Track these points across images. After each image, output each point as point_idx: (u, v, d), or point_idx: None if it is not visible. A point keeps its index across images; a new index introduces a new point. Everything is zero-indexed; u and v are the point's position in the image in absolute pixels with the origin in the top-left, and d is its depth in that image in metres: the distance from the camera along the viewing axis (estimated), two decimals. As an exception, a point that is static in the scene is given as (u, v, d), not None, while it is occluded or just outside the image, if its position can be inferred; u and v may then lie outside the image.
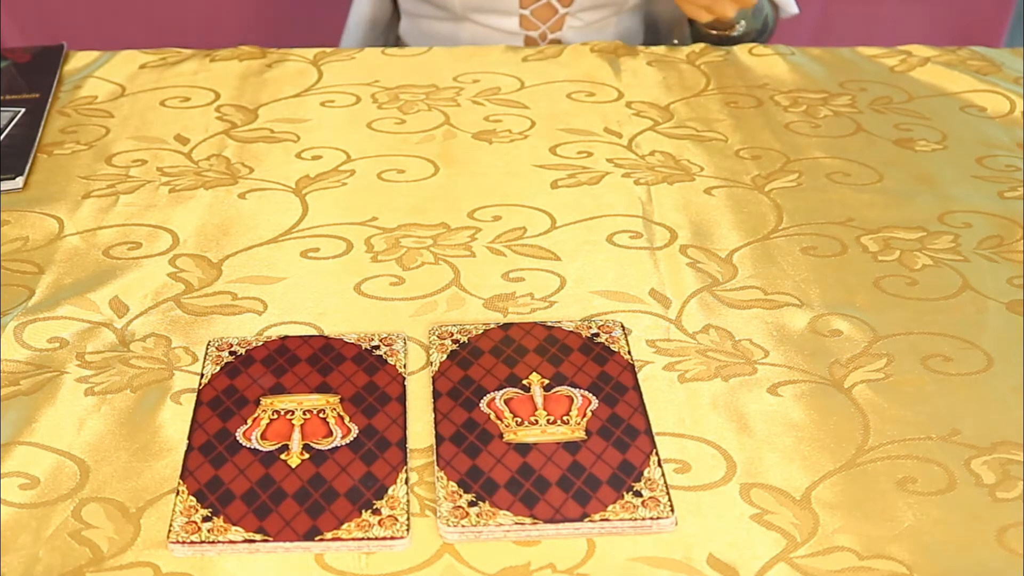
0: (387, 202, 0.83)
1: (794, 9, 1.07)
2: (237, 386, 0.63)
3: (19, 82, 0.99)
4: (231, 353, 0.66)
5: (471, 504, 0.55)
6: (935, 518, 0.56)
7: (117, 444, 0.60)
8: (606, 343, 0.67)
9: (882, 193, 0.85)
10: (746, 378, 0.65)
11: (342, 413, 0.61)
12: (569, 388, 0.63)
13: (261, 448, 0.59)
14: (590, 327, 0.68)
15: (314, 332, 0.69)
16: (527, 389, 0.63)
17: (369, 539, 0.54)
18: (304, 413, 0.61)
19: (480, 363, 0.65)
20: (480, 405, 0.62)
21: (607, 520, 0.54)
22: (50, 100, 0.97)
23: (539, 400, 0.62)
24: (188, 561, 0.53)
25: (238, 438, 0.59)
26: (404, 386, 0.64)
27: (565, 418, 0.61)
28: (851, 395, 0.64)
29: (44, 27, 1.68)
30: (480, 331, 0.68)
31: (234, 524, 0.54)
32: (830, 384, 0.65)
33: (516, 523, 0.54)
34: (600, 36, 1.19)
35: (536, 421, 0.61)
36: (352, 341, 0.67)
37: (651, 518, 0.55)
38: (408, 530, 0.54)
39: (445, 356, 0.66)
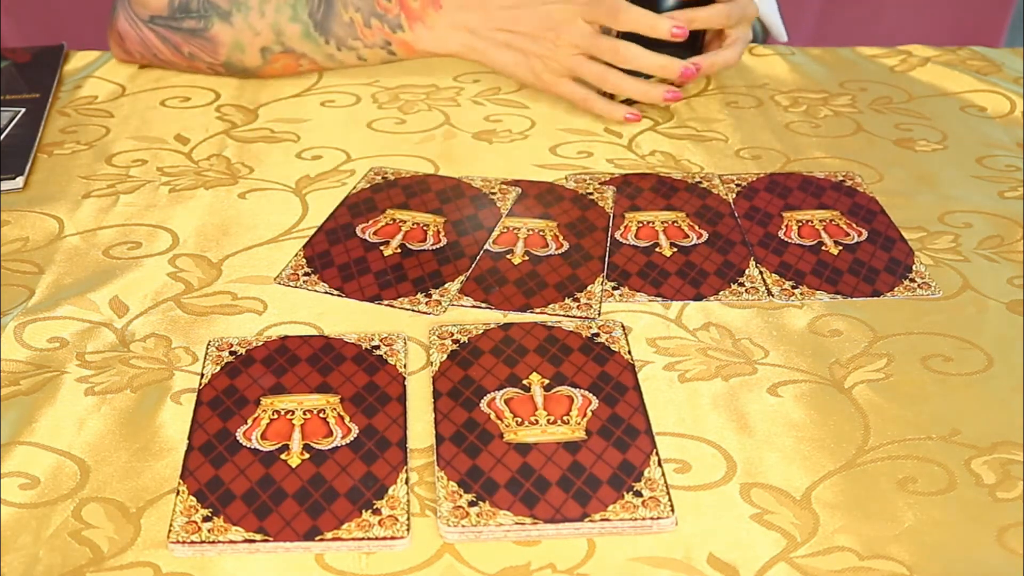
0: (387, 202, 0.83)
1: (783, 36, 1.09)
2: (237, 386, 0.63)
3: (19, 82, 0.99)
4: (231, 353, 0.66)
5: (471, 504, 0.55)
6: (935, 518, 0.56)
7: (117, 444, 0.60)
8: (606, 343, 0.67)
9: (882, 193, 0.85)
10: (746, 378, 0.65)
11: (342, 413, 0.61)
12: (569, 388, 0.63)
13: (261, 448, 0.59)
14: (590, 327, 0.68)
15: (314, 332, 0.69)
16: (527, 389, 0.63)
17: (369, 539, 0.54)
18: (304, 413, 0.61)
19: (480, 363, 0.65)
20: (480, 405, 0.62)
21: (607, 520, 0.54)
22: (50, 100, 0.97)
23: (539, 400, 0.62)
24: (188, 561, 0.53)
25: (238, 438, 0.59)
26: (404, 386, 0.64)
27: (565, 418, 0.61)
28: (851, 395, 0.64)
29: (44, 27, 1.68)
30: (480, 331, 0.68)
31: (234, 524, 0.54)
32: (830, 384, 0.65)
33: (516, 523, 0.54)
34: None
35: (536, 421, 0.61)
36: (352, 341, 0.67)
37: (651, 518, 0.55)
38: (408, 530, 0.54)
39: (445, 356, 0.66)
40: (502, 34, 0.91)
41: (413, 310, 0.70)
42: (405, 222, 0.79)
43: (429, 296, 0.70)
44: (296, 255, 0.75)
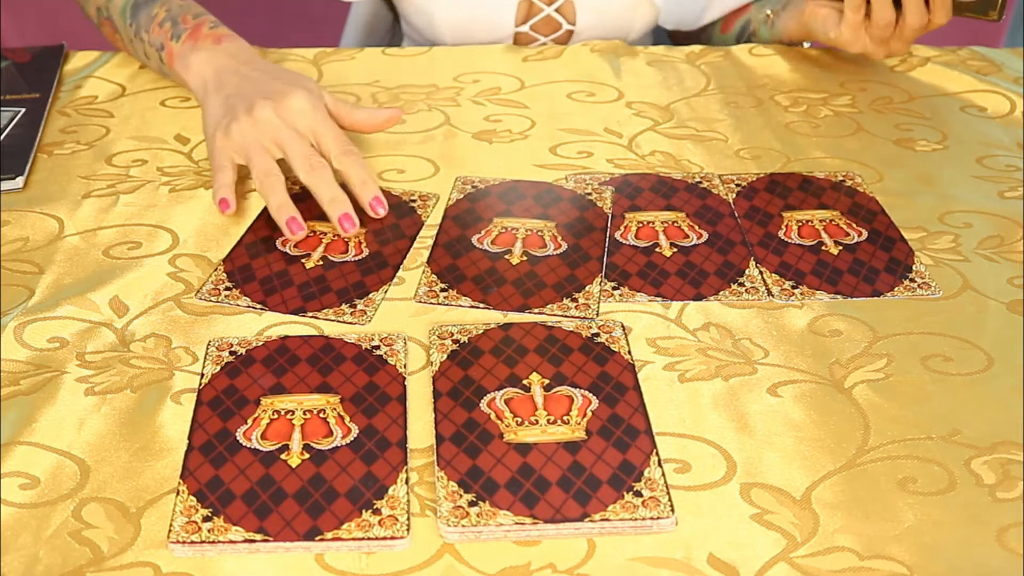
0: (387, 202, 0.83)
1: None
2: (237, 386, 0.63)
3: (19, 82, 0.99)
4: (231, 353, 0.66)
5: (471, 504, 0.55)
6: (935, 518, 0.56)
7: (117, 444, 0.60)
8: (606, 343, 0.67)
9: (882, 193, 0.85)
10: (746, 378, 0.65)
11: (342, 413, 0.61)
12: (569, 388, 0.63)
13: (261, 448, 0.59)
14: (590, 327, 0.68)
15: (314, 332, 0.69)
16: (527, 389, 0.63)
17: (369, 539, 0.54)
18: (304, 413, 0.61)
19: (480, 363, 0.65)
20: (480, 405, 0.62)
21: (607, 520, 0.54)
22: (50, 100, 0.97)
23: (539, 400, 0.62)
24: (188, 561, 0.53)
25: (238, 438, 0.59)
26: (404, 386, 0.64)
27: (565, 418, 0.61)
28: (851, 395, 0.64)
29: (44, 27, 1.68)
30: (480, 331, 0.68)
31: (234, 524, 0.54)
32: (830, 384, 0.65)
33: (516, 523, 0.54)
34: None
35: (536, 421, 0.61)
36: (352, 341, 0.67)
37: (651, 518, 0.55)
38: (408, 530, 0.54)
39: (445, 356, 0.66)
40: (234, 96, 0.82)
41: (338, 321, 0.69)
42: (326, 234, 0.77)
43: (354, 307, 0.70)
44: (216, 269, 0.74)
